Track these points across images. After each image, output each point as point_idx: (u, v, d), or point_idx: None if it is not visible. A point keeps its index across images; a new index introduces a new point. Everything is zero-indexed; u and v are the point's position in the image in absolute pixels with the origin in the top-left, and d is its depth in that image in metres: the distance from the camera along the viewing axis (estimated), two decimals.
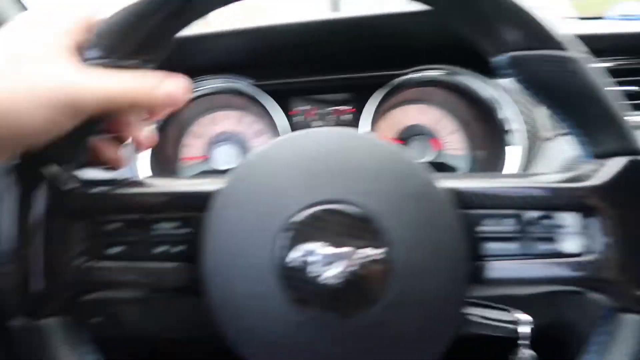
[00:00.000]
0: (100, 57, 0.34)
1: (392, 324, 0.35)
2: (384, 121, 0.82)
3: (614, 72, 0.61)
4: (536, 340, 0.43)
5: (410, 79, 0.76)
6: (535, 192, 0.37)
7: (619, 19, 0.82)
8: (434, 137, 0.83)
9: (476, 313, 0.47)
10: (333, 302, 0.34)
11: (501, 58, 0.37)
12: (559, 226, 0.37)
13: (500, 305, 0.49)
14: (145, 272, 0.37)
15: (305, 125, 0.81)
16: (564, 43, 0.36)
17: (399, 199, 0.35)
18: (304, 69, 0.77)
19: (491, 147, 0.77)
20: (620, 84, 0.68)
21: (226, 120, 0.83)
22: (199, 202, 0.37)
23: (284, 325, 0.35)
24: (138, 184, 0.39)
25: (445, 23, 0.38)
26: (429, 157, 0.82)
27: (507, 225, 0.38)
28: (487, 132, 0.78)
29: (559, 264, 0.37)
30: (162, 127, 0.76)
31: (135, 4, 0.35)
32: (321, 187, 0.35)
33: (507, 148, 0.72)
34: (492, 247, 0.38)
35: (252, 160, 0.37)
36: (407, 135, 0.83)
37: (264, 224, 0.35)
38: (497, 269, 0.38)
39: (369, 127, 0.76)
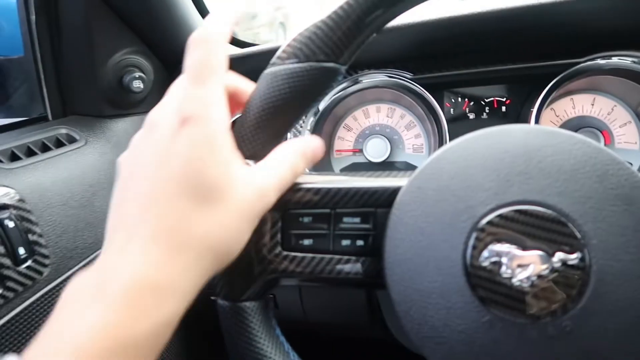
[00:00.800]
0: (302, 61, 0.37)
1: (584, 334, 0.33)
2: (546, 113, 0.77)
3: None
4: None
5: (590, 67, 0.69)
6: None
7: None
8: (604, 129, 0.76)
9: None
10: (522, 306, 0.33)
11: None
12: None
13: None
14: (331, 265, 0.39)
15: (461, 117, 0.79)
16: None
17: (599, 201, 0.33)
18: (459, 62, 0.74)
19: None
20: None
21: (377, 114, 0.84)
22: (385, 198, 0.38)
23: (469, 325, 0.34)
24: (323, 179, 0.41)
25: None
26: None
27: None
28: None
29: None
30: (319, 120, 0.79)
31: (327, 17, 0.37)
32: (513, 187, 0.34)
33: None
34: None
35: (442, 156, 0.37)
36: (573, 128, 0.77)
37: (455, 222, 0.35)
38: None
39: (532, 119, 0.71)
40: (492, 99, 0.78)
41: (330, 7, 0.38)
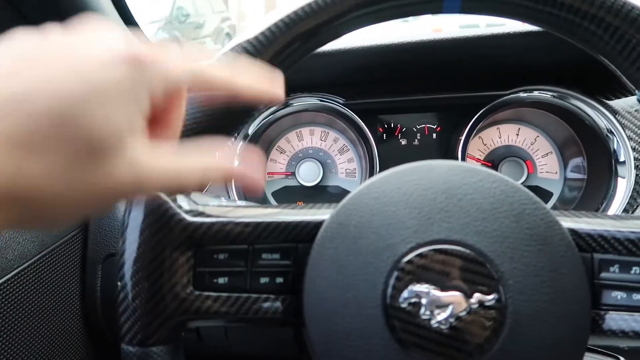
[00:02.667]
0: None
1: None
2: (474, 141, 0.79)
3: None
4: None
5: (513, 99, 0.72)
6: None
7: None
8: (527, 158, 0.79)
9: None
10: (441, 348, 0.32)
11: None
12: None
13: (608, 352, 0.46)
14: (248, 304, 0.37)
15: (392, 142, 0.80)
16: None
17: (516, 241, 0.33)
18: (392, 89, 0.75)
19: (595, 175, 0.72)
20: None
21: (311, 137, 0.83)
22: (307, 232, 0.37)
23: None
24: (241, 212, 0.39)
25: (589, 50, 0.35)
26: (521, 180, 0.78)
27: (636, 275, 0.34)
28: (591, 160, 0.73)
29: None
30: (251, 141, 0.77)
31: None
32: (433, 225, 0.34)
33: (616, 179, 0.66)
34: (617, 296, 0.35)
35: (364, 191, 0.36)
36: (498, 157, 0.79)
37: (375, 261, 0.34)
38: (620, 320, 0.35)
39: (459, 147, 0.73)
40: (423, 126, 0.80)
41: (257, 27, 0.37)
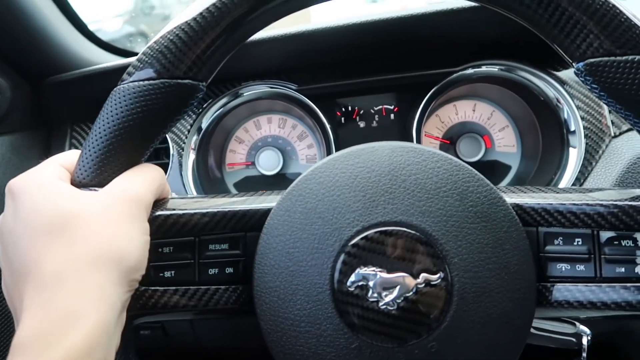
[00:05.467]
0: (153, 78, 0.34)
1: (449, 353, 0.33)
2: (431, 120, 0.80)
3: None
4: (592, 346, 0.41)
5: (463, 76, 0.72)
6: (616, 210, 0.34)
7: None
8: (485, 134, 0.80)
9: (538, 326, 0.45)
10: (390, 330, 0.33)
11: (580, 64, 0.34)
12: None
13: (563, 318, 0.47)
14: (197, 296, 0.37)
15: (351, 125, 0.79)
16: None
17: (460, 219, 0.33)
18: (347, 72, 0.74)
19: (549, 146, 0.73)
20: None
21: (269, 125, 0.82)
22: (255, 221, 0.36)
23: (339, 352, 0.33)
24: (187, 204, 0.38)
25: (526, 24, 0.35)
26: (480, 155, 0.78)
27: (579, 245, 0.35)
28: (544, 131, 0.74)
29: (636, 288, 0.34)
30: (206, 134, 0.76)
31: (187, 24, 0.34)
32: (378, 207, 0.34)
33: (568, 149, 0.67)
34: (561, 268, 0.35)
35: (309, 176, 0.35)
36: (456, 133, 0.79)
37: (322, 246, 0.34)
38: (565, 291, 0.35)
39: (414, 126, 0.73)
40: (380, 107, 0.79)
41: (192, 10, 0.35)
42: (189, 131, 0.73)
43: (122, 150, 0.34)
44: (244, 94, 0.73)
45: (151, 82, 0.34)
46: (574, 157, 0.65)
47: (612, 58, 0.32)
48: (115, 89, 0.35)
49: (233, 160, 0.82)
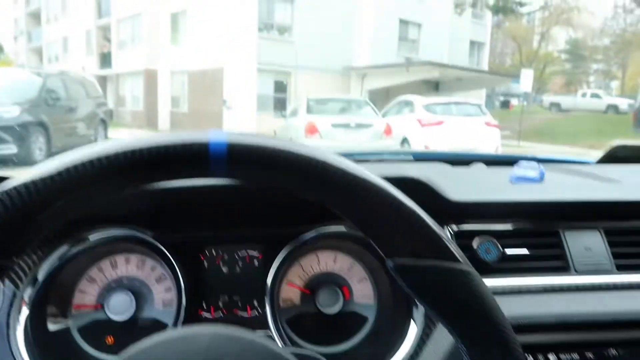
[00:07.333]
0: None
1: None
2: (294, 268, 0.81)
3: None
4: None
5: (322, 232, 0.76)
6: None
7: (515, 182, 0.88)
8: (344, 284, 0.82)
9: None
10: None
11: (391, 262, 0.37)
12: None
13: None
14: None
15: (215, 270, 0.78)
16: (453, 254, 0.37)
17: None
18: (212, 221, 0.75)
19: (399, 302, 0.77)
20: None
21: (127, 265, 0.78)
22: None
23: None
24: None
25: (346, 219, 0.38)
26: (338, 307, 0.80)
27: None
28: (394, 286, 0.78)
29: None
30: (55, 270, 0.70)
31: None
32: None
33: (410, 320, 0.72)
34: None
35: None
36: (317, 283, 0.81)
37: None
38: None
39: (271, 276, 0.74)
40: (245, 253, 0.80)
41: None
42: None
43: None
44: (91, 239, 0.70)
45: None
46: (414, 329, 0.70)
47: (416, 260, 0.36)
48: None
49: (82, 302, 0.76)
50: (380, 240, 0.37)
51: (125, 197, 0.67)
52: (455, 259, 0.37)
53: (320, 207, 0.76)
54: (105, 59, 21.04)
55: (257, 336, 0.36)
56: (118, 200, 0.67)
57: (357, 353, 0.78)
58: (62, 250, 0.69)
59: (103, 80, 19.40)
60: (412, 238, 0.36)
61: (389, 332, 0.77)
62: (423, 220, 0.37)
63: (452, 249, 0.37)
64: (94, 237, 0.71)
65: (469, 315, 0.37)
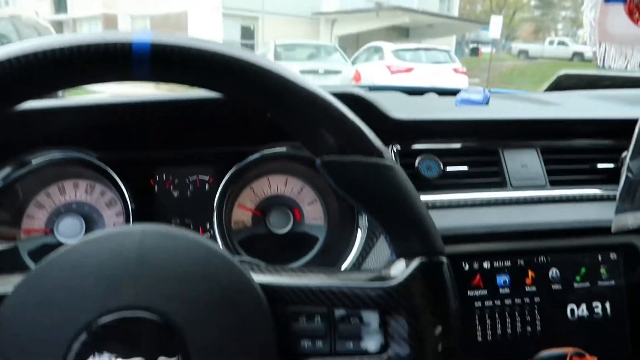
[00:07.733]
0: None
1: None
2: (245, 192, 0.83)
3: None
4: None
5: (272, 153, 0.77)
6: (343, 290, 0.38)
7: (460, 104, 0.90)
8: (295, 207, 0.85)
9: None
10: None
11: (319, 160, 0.38)
12: (365, 324, 0.38)
13: None
14: None
15: (165, 195, 0.79)
16: (377, 150, 0.39)
17: (206, 303, 0.35)
18: (162, 141, 0.75)
19: (345, 220, 0.80)
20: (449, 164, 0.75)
21: (75, 190, 0.78)
22: None
23: None
24: None
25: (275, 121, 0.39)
26: (288, 227, 0.83)
27: (318, 323, 0.38)
28: (341, 205, 0.81)
29: None
30: (1, 195, 0.69)
31: None
32: (119, 292, 0.34)
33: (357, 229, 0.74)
34: (304, 344, 0.38)
35: (49, 263, 0.34)
36: (268, 206, 0.83)
37: (55, 336, 0.32)
38: None
39: (218, 196, 0.76)
40: (195, 177, 0.80)
41: None
42: None
43: None
44: (33, 162, 0.69)
45: None
46: (359, 237, 0.73)
47: (342, 156, 0.38)
48: None
49: (30, 227, 0.76)
50: (308, 139, 0.38)
51: (66, 118, 0.66)
52: (380, 155, 0.39)
53: (271, 127, 0.77)
54: (60, 3, 19.93)
55: (189, 232, 0.38)
56: (58, 121, 0.66)
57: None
58: (3, 172, 0.68)
59: (59, 26, 18.40)
60: (338, 135, 0.38)
61: (338, 247, 0.80)
62: (347, 117, 0.38)
63: (376, 145, 0.39)
64: (37, 160, 0.70)
65: (392, 209, 0.39)
